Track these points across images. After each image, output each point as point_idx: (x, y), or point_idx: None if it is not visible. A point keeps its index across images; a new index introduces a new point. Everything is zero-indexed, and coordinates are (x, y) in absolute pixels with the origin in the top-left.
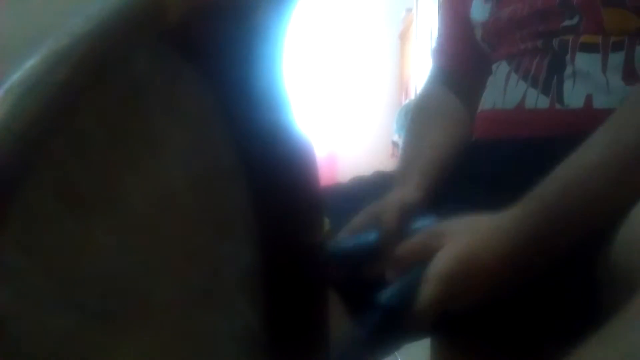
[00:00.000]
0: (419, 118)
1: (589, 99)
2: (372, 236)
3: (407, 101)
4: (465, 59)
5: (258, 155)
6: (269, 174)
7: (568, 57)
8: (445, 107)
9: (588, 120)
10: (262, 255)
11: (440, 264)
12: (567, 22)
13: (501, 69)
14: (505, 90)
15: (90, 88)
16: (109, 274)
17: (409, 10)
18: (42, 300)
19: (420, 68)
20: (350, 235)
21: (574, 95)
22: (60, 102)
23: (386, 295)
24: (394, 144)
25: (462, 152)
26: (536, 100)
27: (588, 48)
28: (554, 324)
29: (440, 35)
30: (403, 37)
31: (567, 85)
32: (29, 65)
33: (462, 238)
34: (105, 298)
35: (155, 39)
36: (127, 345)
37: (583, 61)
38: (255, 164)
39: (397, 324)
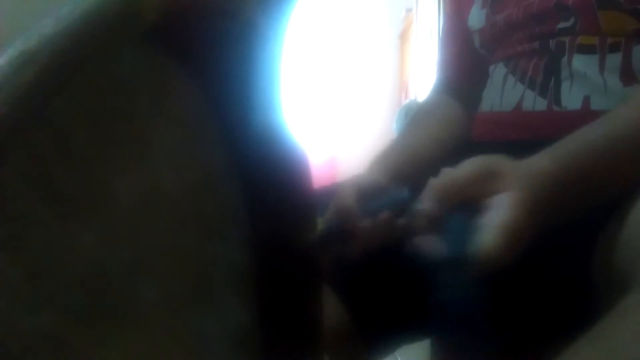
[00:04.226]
0: (409, 121)
1: (586, 100)
2: (404, 193)
3: (407, 101)
4: (467, 69)
5: (250, 156)
6: (261, 174)
7: (565, 58)
8: (441, 109)
9: (586, 122)
10: (255, 255)
11: (505, 213)
12: (562, 24)
13: (498, 71)
14: (503, 92)
15: (60, 88)
16: (93, 275)
17: (409, 10)
18: (20, 299)
19: (420, 68)
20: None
21: (571, 97)
22: (28, 103)
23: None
24: None
25: (452, 150)
26: (534, 102)
27: (585, 49)
28: (552, 325)
29: (441, 45)
30: (403, 37)
31: (565, 87)
32: None
33: (519, 184)
34: (90, 298)
35: (140, 39)
36: (115, 346)
37: (580, 62)
38: (247, 164)
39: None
